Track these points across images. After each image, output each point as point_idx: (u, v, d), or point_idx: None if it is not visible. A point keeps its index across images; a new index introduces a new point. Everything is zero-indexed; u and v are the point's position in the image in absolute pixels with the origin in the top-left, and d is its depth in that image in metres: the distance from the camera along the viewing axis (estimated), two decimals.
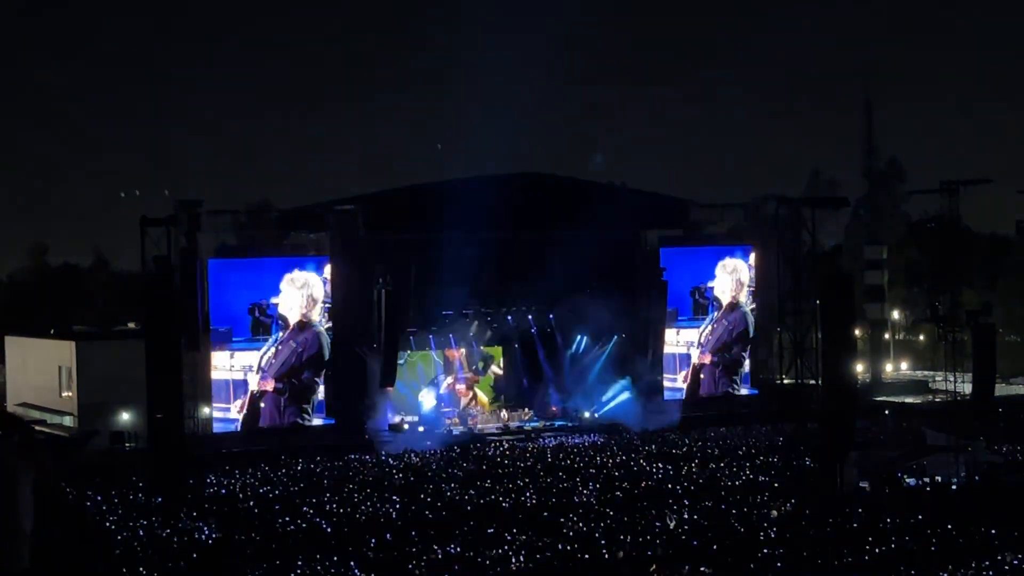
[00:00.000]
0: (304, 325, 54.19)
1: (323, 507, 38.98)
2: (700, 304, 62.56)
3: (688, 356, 62.68)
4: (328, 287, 54.38)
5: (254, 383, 53.30)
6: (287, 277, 53.80)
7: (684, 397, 62.29)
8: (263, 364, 53.40)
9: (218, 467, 47.68)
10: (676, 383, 62.50)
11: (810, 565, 30.01)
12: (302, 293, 54.00)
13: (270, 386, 53.61)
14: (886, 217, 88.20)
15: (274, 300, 53.53)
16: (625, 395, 60.37)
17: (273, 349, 53.55)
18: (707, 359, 63.08)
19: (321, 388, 54.52)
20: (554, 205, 59.26)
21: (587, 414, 60.39)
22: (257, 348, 53.24)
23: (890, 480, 42.02)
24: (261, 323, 53.34)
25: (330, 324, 54.44)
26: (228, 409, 52.95)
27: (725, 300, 63.13)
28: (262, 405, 53.51)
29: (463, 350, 61.43)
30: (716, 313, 63.02)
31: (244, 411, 53.20)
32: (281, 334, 53.66)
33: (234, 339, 52.85)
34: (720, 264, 62.92)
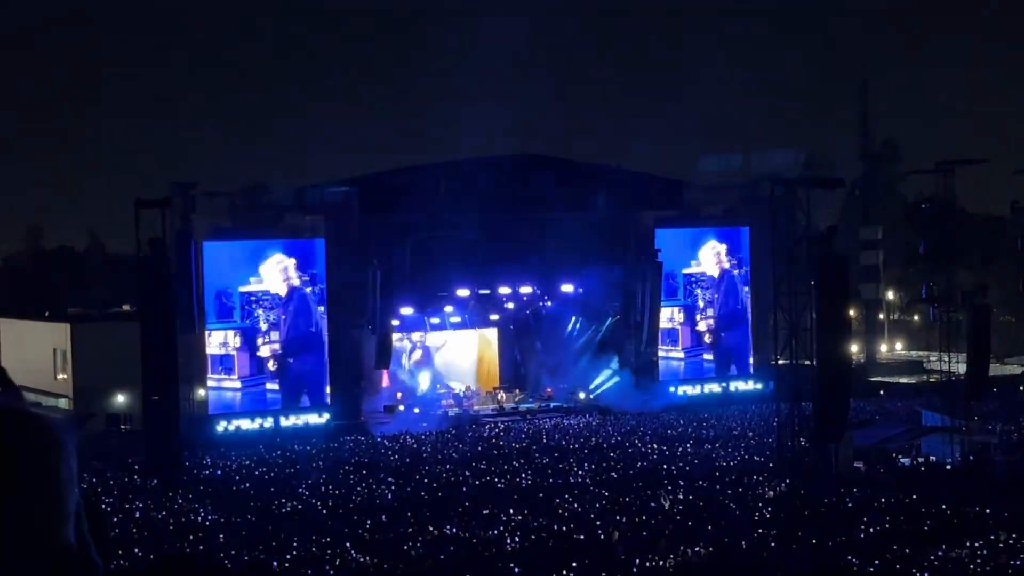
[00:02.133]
0: (291, 292, 54.25)
1: (318, 489, 39.04)
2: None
3: (674, 331, 62.73)
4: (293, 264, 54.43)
5: (266, 351, 53.58)
6: (262, 267, 53.68)
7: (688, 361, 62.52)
8: (267, 329, 53.76)
9: (214, 448, 47.75)
10: (670, 361, 62.59)
11: (805, 545, 30.08)
12: (279, 268, 53.92)
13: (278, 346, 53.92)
14: (882, 198, 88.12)
15: (253, 282, 53.52)
16: (618, 377, 60.41)
17: (270, 320, 53.80)
18: (709, 324, 63.31)
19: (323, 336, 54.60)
20: (549, 186, 59.20)
21: (582, 395, 60.44)
22: (223, 329, 53.31)
23: (885, 460, 42.13)
24: (226, 307, 53.34)
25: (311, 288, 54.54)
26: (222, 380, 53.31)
27: (715, 274, 63.35)
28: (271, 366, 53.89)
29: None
30: (708, 291, 63.20)
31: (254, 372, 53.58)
32: (271, 313, 53.79)
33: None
34: (701, 248, 63.02)
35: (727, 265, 63.60)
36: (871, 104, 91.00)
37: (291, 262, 54.35)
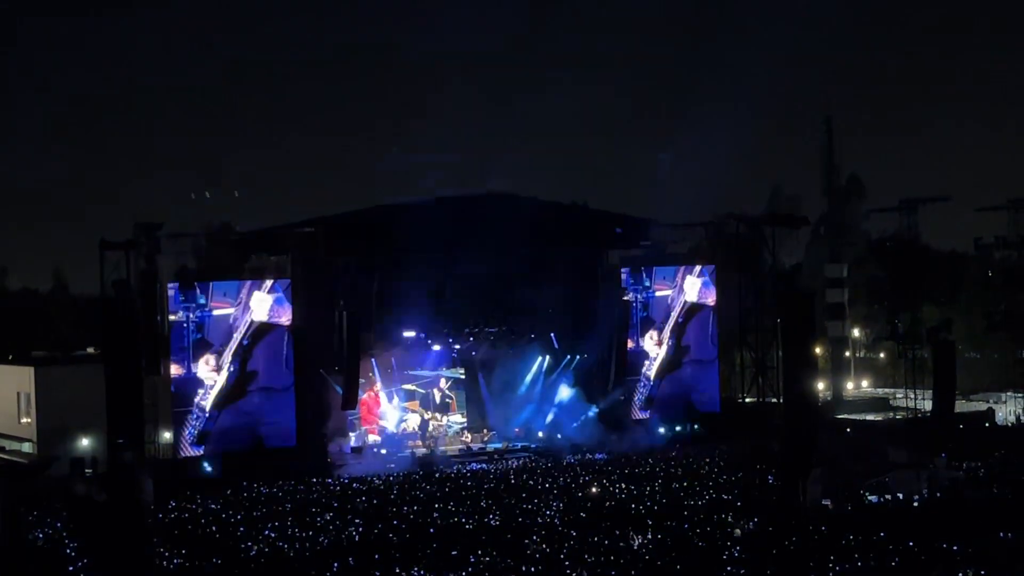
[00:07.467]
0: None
1: (286, 531, 38.75)
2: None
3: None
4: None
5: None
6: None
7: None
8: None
9: (180, 492, 47.34)
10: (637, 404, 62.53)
11: None
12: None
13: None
14: (846, 235, 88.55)
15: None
16: (586, 415, 60.35)
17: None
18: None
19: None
20: (516, 226, 59.23)
21: (549, 435, 60.26)
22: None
23: (852, 497, 42.14)
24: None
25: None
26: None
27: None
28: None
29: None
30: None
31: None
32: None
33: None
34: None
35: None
36: (836, 142, 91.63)
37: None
